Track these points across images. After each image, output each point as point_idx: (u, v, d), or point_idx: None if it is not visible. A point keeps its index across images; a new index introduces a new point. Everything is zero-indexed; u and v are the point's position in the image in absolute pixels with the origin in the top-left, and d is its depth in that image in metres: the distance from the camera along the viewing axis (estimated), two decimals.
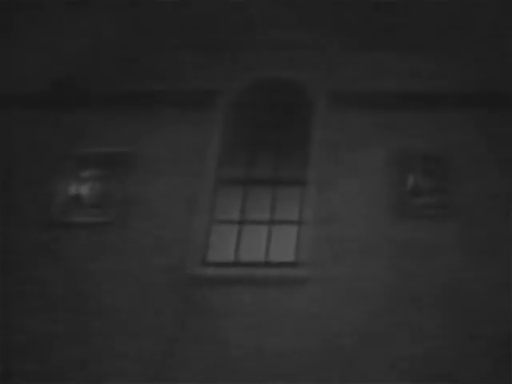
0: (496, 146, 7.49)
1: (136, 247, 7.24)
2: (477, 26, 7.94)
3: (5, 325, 6.96)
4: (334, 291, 6.84)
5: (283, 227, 7.45)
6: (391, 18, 8.03)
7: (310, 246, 7.07)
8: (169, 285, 7.01)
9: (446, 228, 7.06)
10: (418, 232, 7.05)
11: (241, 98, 8.23)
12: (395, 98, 7.85)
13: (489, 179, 7.29)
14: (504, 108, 7.71)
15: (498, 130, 7.59)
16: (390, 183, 7.35)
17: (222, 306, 6.86)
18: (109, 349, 6.79)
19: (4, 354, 6.83)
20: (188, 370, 6.63)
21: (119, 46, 8.43)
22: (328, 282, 6.89)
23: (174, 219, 7.35)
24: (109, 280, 7.09)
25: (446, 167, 7.38)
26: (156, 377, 6.63)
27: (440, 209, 7.16)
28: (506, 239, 6.97)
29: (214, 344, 6.72)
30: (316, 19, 8.18)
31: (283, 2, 8.02)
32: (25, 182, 7.72)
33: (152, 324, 6.85)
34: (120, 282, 7.07)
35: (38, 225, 7.44)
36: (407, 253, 6.95)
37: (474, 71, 7.98)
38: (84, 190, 7.60)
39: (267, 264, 7.16)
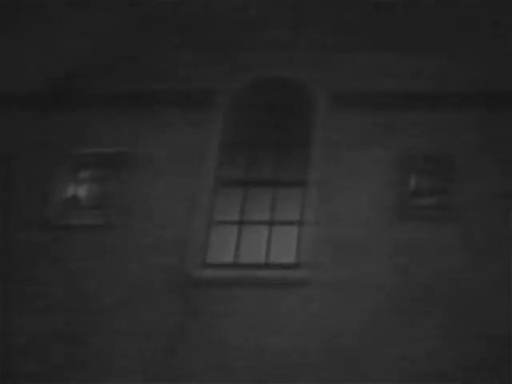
0: (496, 146, 7.49)
1: (135, 248, 7.24)
2: (477, 25, 7.93)
3: (5, 325, 6.96)
4: (334, 293, 6.83)
5: (283, 228, 7.44)
6: (391, 18, 8.03)
7: (311, 247, 7.06)
8: (168, 286, 7.00)
9: (446, 228, 7.06)
10: (419, 233, 7.05)
11: (241, 98, 8.23)
12: (396, 98, 7.85)
13: (489, 179, 7.29)
14: (504, 108, 7.71)
15: (498, 130, 7.58)
16: (392, 184, 7.35)
17: (222, 307, 6.86)
18: (109, 349, 6.79)
19: (4, 354, 6.83)
20: (188, 370, 6.63)
21: (119, 46, 8.43)
22: (329, 284, 6.88)
23: (173, 220, 7.34)
24: (108, 280, 7.09)
25: (447, 167, 7.38)
26: (156, 377, 6.63)
27: (441, 209, 7.16)
28: (506, 239, 6.97)
29: (213, 344, 6.72)
30: (316, 19, 8.18)
31: (283, 2, 8.02)
32: (25, 183, 7.72)
33: (152, 324, 6.85)
34: (120, 283, 7.07)
35: (38, 225, 7.44)
36: (408, 253, 6.95)
37: (474, 71, 7.98)
38: (83, 190, 7.59)
39: (267, 265, 7.15)
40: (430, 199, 7.21)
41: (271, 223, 7.46)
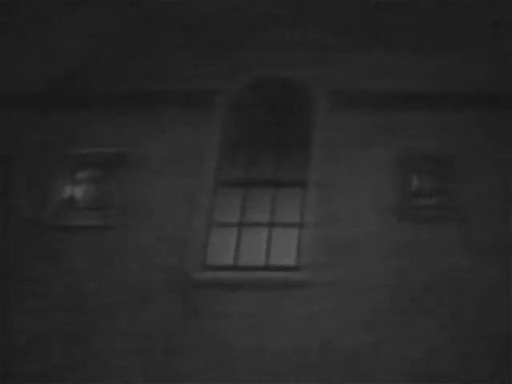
0: (497, 146, 7.49)
1: (135, 249, 7.23)
2: (477, 25, 7.93)
3: (5, 325, 6.95)
4: (335, 293, 6.83)
5: (284, 229, 7.41)
6: (391, 18, 8.03)
7: (312, 249, 7.05)
8: (168, 287, 7.00)
9: (446, 229, 7.06)
10: (420, 233, 7.04)
11: (241, 98, 8.23)
12: (396, 98, 7.85)
13: (490, 179, 7.29)
14: (504, 108, 7.71)
15: (499, 130, 7.58)
16: (392, 184, 7.34)
17: (222, 309, 6.85)
18: (109, 349, 6.79)
19: (4, 354, 6.82)
20: (188, 370, 6.63)
21: (119, 46, 8.43)
22: (329, 285, 6.87)
23: (172, 221, 7.34)
24: (108, 281, 7.09)
25: (447, 167, 7.38)
26: (156, 377, 6.63)
27: (441, 209, 7.15)
28: (506, 239, 6.97)
29: (213, 344, 6.72)
30: (316, 19, 8.17)
31: (283, 2, 8.02)
32: (24, 183, 7.71)
33: (152, 324, 6.85)
34: (120, 283, 7.07)
35: (39, 225, 7.44)
36: (409, 254, 6.95)
37: (474, 71, 7.98)
38: (83, 190, 7.59)
39: (267, 267, 7.14)
40: (430, 199, 7.21)
41: (271, 224, 7.43)
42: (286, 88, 8.29)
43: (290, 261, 7.21)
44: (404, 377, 6.45)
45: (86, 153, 7.79)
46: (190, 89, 8.16)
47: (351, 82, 8.07)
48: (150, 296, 6.97)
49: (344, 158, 7.57)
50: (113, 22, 8.14)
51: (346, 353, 6.59)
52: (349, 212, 7.23)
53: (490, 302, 6.71)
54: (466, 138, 7.57)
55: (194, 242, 7.21)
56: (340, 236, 7.09)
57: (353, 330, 6.68)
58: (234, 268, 7.16)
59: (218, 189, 7.70)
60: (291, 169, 7.77)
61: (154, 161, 7.73)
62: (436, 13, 7.90)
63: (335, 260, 6.98)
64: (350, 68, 8.15)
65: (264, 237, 7.37)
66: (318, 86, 8.08)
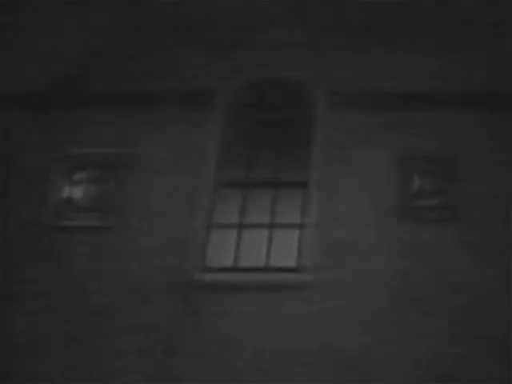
0: (497, 146, 7.49)
1: (134, 249, 7.23)
2: (477, 25, 7.93)
3: (5, 325, 6.95)
4: (335, 294, 6.83)
5: (284, 231, 7.40)
6: (391, 18, 8.03)
7: (312, 251, 7.05)
8: (168, 287, 7.00)
9: (447, 229, 7.06)
10: (421, 234, 7.04)
11: (241, 99, 8.23)
12: (398, 98, 7.84)
13: (490, 179, 7.29)
14: (504, 108, 7.71)
15: (499, 130, 7.58)
16: (393, 184, 7.34)
17: (222, 310, 6.85)
18: (109, 349, 6.79)
19: (4, 354, 6.82)
20: (188, 370, 6.63)
21: (119, 46, 8.43)
22: (330, 287, 6.87)
23: (172, 222, 7.33)
24: (108, 281, 7.09)
25: (448, 168, 7.37)
26: (156, 377, 6.63)
27: (441, 210, 7.15)
28: (506, 239, 6.97)
29: (213, 344, 6.72)
30: (316, 19, 8.17)
31: (283, 2, 8.02)
32: (24, 183, 7.71)
33: (152, 324, 6.85)
34: (119, 284, 7.07)
35: (39, 225, 7.44)
36: (410, 255, 6.94)
37: (474, 71, 7.97)
38: (83, 191, 7.58)
39: (268, 269, 7.13)
40: (430, 199, 7.21)
41: (271, 226, 7.42)
42: (286, 88, 8.29)
43: (291, 262, 7.21)
44: (404, 377, 6.45)
45: (86, 153, 7.78)
46: (190, 89, 8.16)
47: (351, 82, 8.07)
48: (150, 296, 6.97)
49: (344, 158, 7.56)
50: (113, 22, 8.15)
51: (346, 353, 6.59)
52: (349, 212, 7.23)
53: (490, 302, 6.71)
54: (466, 138, 7.57)
55: (193, 242, 7.21)
56: (341, 237, 7.09)
57: (353, 330, 6.68)
58: (234, 269, 7.15)
59: (218, 189, 7.69)
60: (291, 169, 7.76)
61: (154, 161, 7.72)
62: (436, 13, 7.90)
63: (336, 261, 6.98)
64: (350, 68, 8.15)
65: (264, 238, 7.36)
66: (318, 86, 8.08)
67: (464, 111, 7.74)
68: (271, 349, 6.65)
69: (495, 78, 7.89)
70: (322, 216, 7.23)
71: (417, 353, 6.55)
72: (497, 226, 7.04)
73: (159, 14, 8.17)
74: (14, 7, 7.43)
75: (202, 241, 7.27)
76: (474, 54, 8.03)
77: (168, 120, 7.99)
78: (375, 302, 6.78)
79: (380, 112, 7.81)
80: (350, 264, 6.95)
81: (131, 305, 6.95)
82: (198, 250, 7.19)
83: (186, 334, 6.78)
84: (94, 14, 7.93)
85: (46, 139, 7.96)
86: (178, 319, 6.86)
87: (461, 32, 8.02)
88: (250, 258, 7.28)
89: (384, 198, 7.28)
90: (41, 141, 7.96)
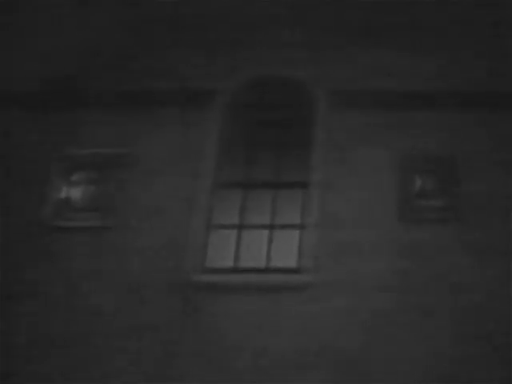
0: (497, 146, 7.49)
1: (133, 249, 7.22)
2: (477, 25, 7.93)
3: (5, 325, 6.95)
4: (336, 296, 6.82)
5: (285, 231, 7.38)
6: (391, 18, 8.03)
7: (313, 251, 7.04)
8: (168, 288, 6.99)
9: (447, 229, 7.05)
10: (421, 234, 7.04)
11: (240, 98, 8.22)
12: (398, 98, 7.84)
13: (490, 179, 7.29)
14: (505, 108, 7.71)
15: (499, 130, 7.58)
16: (396, 185, 7.33)
17: (222, 311, 6.85)
18: (109, 349, 6.79)
19: (4, 354, 6.82)
20: (188, 370, 6.63)
21: (119, 45, 8.43)
22: (331, 287, 6.87)
23: (170, 223, 7.32)
24: (108, 281, 7.09)
25: (449, 168, 7.37)
26: (156, 377, 6.63)
27: (442, 210, 7.15)
28: (506, 240, 6.97)
29: (213, 345, 6.72)
30: (316, 19, 8.17)
31: (283, 2, 8.02)
32: (24, 183, 7.71)
33: (152, 325, 6.85)
34: (119, 284, 7.07)
35: (38, 226, 7.44)
36: (410, 255, 6.94)
37: (474, 71, 7.97)
38: (82, 191, 7.57)
39: (268, 270, 7.13)
40: (431, 200, 7.21)
41: (272, 226, 7.40)
42: (286, 88, 8.28)
43: (291, 263, 7.20)
44: (404, 377, 6.45)
45: (86, 153, 7.78)
46: (190, 89, 8.15)
47: (351, 82, 8.06)
48: (150, 297, 6.97)
49: (344, 158, 7.56)
50: (113, 22, 8.14)
51: (346, 353, 6.59)
52: (350, 213, 7.22)
53: (490, 302, 6.71)
54: (466, 137, 7.57)
55: (193, 243, 7.20)
56: (341, 237, 7.08)
57: (353, 330, 6.68)
58: (234, 270, 7.15)
59: (218, 189, 7.68)
60: (291, 169, 7.75)
61: (154, 161, 7.72)
62: (436, 13, 7.90)
63: (336, 261, 6.97)
64: (350, 68, 8.15)
65: (264, 238, 7.34)
66: (318, 86, 8.08)
67: (464, 111, 7.74)
68: (271, 349, 6.65)
69: (495, 78, 7.89)
70: (323, 216, 7.22)
71: (417, 353, 6.55)
72: (497, 226, 7.04)
73: (159, 13, 8.17)
74: (14, 7, 7.42)
75: (202, 241, 7.27)
76: (474, 54, 8.02)
77: (168, 120, 7.98)
78: (376, 302, 6.78)
79: (380, 112, 7.81)
80: (351, 264, 6.95)
81: (131, 305, 6.95)
82: (197, 251, 7.18)
83: (185, 334, 6.78)
84: (94, 14, 7.93)
85: (45, 139, 7.96)
86: (178, 319, 6.85)
87: (461, 32, 8.01)
88: (250, 258, 7.27)
89: (384, 198, 7.27)
90: (40, 141, 7.95)
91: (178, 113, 8.00)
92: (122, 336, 6.82)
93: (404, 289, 6.81)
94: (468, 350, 6.53)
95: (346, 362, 6.55)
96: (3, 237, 7.39)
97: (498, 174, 7.33)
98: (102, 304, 6.98)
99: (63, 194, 7.57)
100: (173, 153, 7.74)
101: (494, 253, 6.92)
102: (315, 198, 7.34)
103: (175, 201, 7.44)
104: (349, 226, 7.15)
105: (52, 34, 7.88)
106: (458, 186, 7.26)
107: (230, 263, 7.25)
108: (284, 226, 7.42)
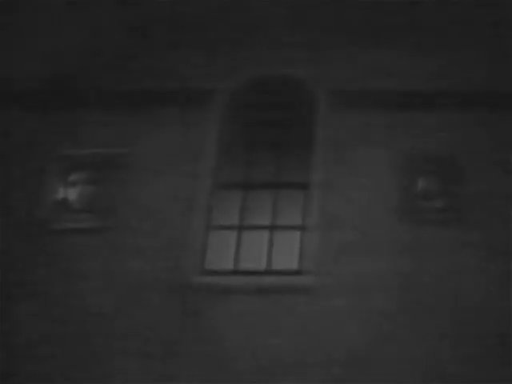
0: (497, 146, 7.49)
1: (133, 250, 7.22)
2: (477, 25, 7.93)
3: (5, 325, 6.95)
4: (337, 296, 6.82)
5: (285, 233, 7.38)
6: (391, 18, 8.03)
7: (314, 253, 7.04)
8: (168, 288, 6.99)
9: (448, 229, 7.05)
10: (422, 234, 7.03)
11: (240, 98, 8.22)
12: (398, 98, 7.84)
13: (490, 179, 7.29)
14: (505, 108, 7.71)
15: (499, 130, 7.58)
16: (396, 185, 7.33)
17: (222, 312, 6.85)
18: (109, 349, 6.79)
19: (4, 354, 6.83)
20: (188, 370, 6.64)
21: (119, 45, 8.43)
22: (331, 288, 6.86)
23: (170, 224, 7.31)
24: (108, 282, 7.09)
25: (448, 168, 7.37)
26: (156, 377, 6.63)
27: (443, 210, 7.14)
28: (506, 240, 6.97)
29: (213, 345, 6.72)
30: (316, 19, 8.17)
31: (283, 2, 8.02)
32: (23, 183, 7.70)
33: (152, 325, 6.85)
34: (119, 284, 7.07)
35: (38, 226, 7.44)
36: (413, 257, 6.94)
37: (474, 71, 7.97)
38: (82, 192, 7.56)
39: (269, 272, 7.13)
40: (432, 200, 7.21)
41: (272, 228, 7.39)
42: (286, 87, 8.28)
43: (293, 265, 7.18)
44: (404, 377, 6.45)
45: (85, 153, 7.77)
46: (190, 89, 8.15)
47: (351, 82, 8.06)
48: (149, 297, 6.97)
49: (345, 158, 7.55)
50: (113, 22, 8.14)
51: (346, 353, 6.59)
52: (351, 213, 7.21)
53: (490, 302, 6.71)
54: (466, 137, 7.57)
55: (192, 245, 7.19)
56: (342, 238, 7.07)
57: (353, 331, 6.68)
58: (234, 272, 7.13)
59: (218, 190, 7.68)
60: (292, 170, 7.74)
61: (153, 161, 7.71)
62: (436, 13, 7.90)
63: (338, 262, 6.96)
64: (350, 68, 8.14)
65: (265, 240, 7.33)
66: (318, 86, 8.08)
67: (464, 111, 7.74)
68: (272, 349, 6.65)
69: (495, 78, 7.89)
70: (324, 217, 7.22)
71: (417, 353, 6.55)
72: (497, 226, 7.04)
73: (159, 13, 8.17)
74: (14, 7, 7.42)
75: (202, 242, 7.26)
76: (474, 53, 8.02)
77: (168, 120, 7.98)
78: (376, 302, 6.78)
79: (380, 112, 7.80)
80: (352, 265, 6.94)
81: (131, 305, 6.95)
82: (196, 253, 7.17)
83: (185, 334, 6.78)
84: (94, 14, 7.93)
85: (45, 139, 7.96)
86: (178, 320, 6.85)
87: (461, 32, 8.01)
88: (251, 260, 7.26)
89: (385, 199, 7.27)
90: (40, 141, 7.95)
91: (178, 113, 8.00)
92: (122, 336, 6.82)
93: (404, 289, 6.81)
94: (468, 350, 6.53)
95: (346, 362, 6.55)
96: (3, 237, 7.39)
97: (498, 174, 7.33)
98: (102, 304, 6.99)
99: (62, 195, 7.56)
100: (173, 153, 7.74)
101: (494, 253, 6.92)
102: (316, 199, 7.33)
103: (175, 201, 7.43)
104: (349, 226, 7.14)
105: (52, 34, 7.88)
106: (457, 185, 7.26)
107: (229, 265, 7.24)
108: (285, 228, 7.41)
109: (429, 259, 6.92)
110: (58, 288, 7.11)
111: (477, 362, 6.47)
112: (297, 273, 7.06)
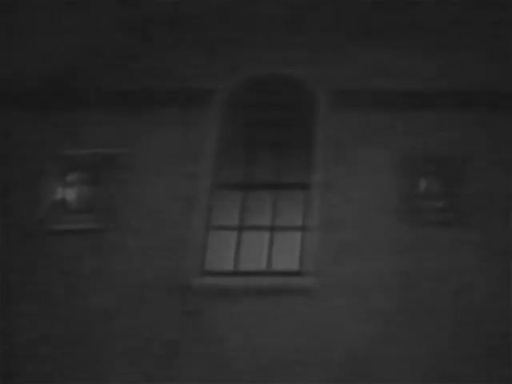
0: (497, 146, 7.49)
1: (133, 251, 7.22)
2: (477, 25, 7.93)
3: (5, 325, 6.95)
4: (337, 296, 6.82)
5: (286, 233, 7.36)
6: (391, 18, 8.03)
7: (315, 254, 7.03)
8: (167, 289, 6.99)
9: (448, 230, 7.05)
10: (422, 235, 7.03)
11: (240, 98, 8.22)
12: (398, 98, 7.84)
13: (491, 179, 7.29)
14: (505, 107, 7.71)
15: (499, 130, 7.58)
16: (396, 185, 7.32)
17: (222, 313, 6.85)
18: (109, 349, 6.79)
19: (4, 354, 6.82)
20: (188, 370, 6.64)
21: (118, 45, 8.43)
22: (332, 288, 6.86)
23: (169, 224, 7.31)
24: (108, 282, 7.09)
25: (448, 168, 7.37)
26: (156, 377, 6.63)
27: (444, 211, 7.14)
28: (507, 240, 6.97)
29: (213, 345, 6.72)
30: (316, 19, 8.17)
31: (283, 2, 8.02)
32: (22, 183, 7.70)
33: (151, 325, 6.85)
34: (119, 285, 7.07)
35: (38, 226, 7.43)
36: (413, 257, 6.94)
37: (474, 71, 7.97)
38: (82, 192, 7.56)
39: (269, 273, 7.12)
40: (432, 200, 7.20)
41: (273, 228, 7.37)
42: (286, 87, 8.28)
43: (293, 266, 7.18)
44: (404, 377, 6.46)
45: (85, 153, 7.77)
46: (190, 88, 8.15)
47: (351, 82, 8.06)
48: (149, 298, 6.96)
49: (345, 158, 7.55)
50: (113, 22, 8.14)
51: (346, 353, 6.59)
52: (351, 213, 7.21)
53: (490, 302, 6.71)
54: (466, 137, 7.57)
55: (192, 245, 7.19)
56: (343, 238, 7.07)
57: (353, 331, 6.68)
58: (234, 273, 7.13)
59: (218, 190, 7.67)
60: (292, 170, 7.74)
61: (153, 161, 7.71)
62: (436, 13, 7.90)
63: (338, 263, 6.96)
64: (350, 68, 8.14)
65: (265, 240, 7.32)
66: (318, 86, 8.08)
67: (464, 111, 7.74)
68: (272, 350, 6.65)
69: (495, 77, 7.89)
70: (325, 218, 7.21)
71: (417, 353, 6.55)
72: (497, 226, 7.04)
73: (159, 13, 8.17)
74: (14, 7, 7.42)
75: (201, 243, 7.26)
76: (474, 53, 8.02)
77: (168, 120, 7.98)
78: (376, 302, 6.78)
79: (380, 112, 7.80)
80: (352, 265, 6.94)
81: (131, 305, 6.95)
82: (196, 252, 7.17)
83: (185, 334, 6.78)
84: (94, 14, 7.92)
85: (45, 139, 7.95)
86: (178, 320, 6.85)
87: (461, 32, 8.01)
88: (251, 261, 7.25)
89: (385, 199, 7.27)
90: (40, 141, 7.95)
91: (178, 113, 7.99)
92: (122, 336, 6.82)
93: (404, 289, 6.81)
94: (468, 350, 6.53)
95: (346, 362, 6.55)
96: (3, 237, 7.38)
97: (498, 174, 7.33)
98: (101, 304, 6.98)
99: (63, 195, 7.56)
100: (173, 153, 7.74)
101: (495, 253, 6.92)
102: (316, 199, 7.33)
103: (175, 201, 7.43)
104: (349, 226, 7.14)
105: (52, 33, 7.88)
106: (458, 186, 7.26)
107: (229, 265, 7.23)
108: (285, 228, 7.40)
109: (429, 259, 6.92)
110: (58, 288, 7.11)
111: (477, 362, 6.47)
112: (297, 273, 7.05)
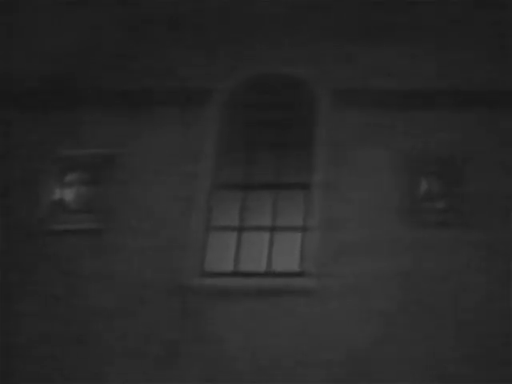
0: (497, 146, 7.48)
1: (132, 251, 7.22)
2: (477, 25, 7.93)
3: (5, 325, 6.95)
4: (337, 297, 6.82)
5: (286, 234, 7.36)
6: (391, 18, 8.03)
7: (315, 254, 7.04)
8: (167, 289, 6.99)
9: (449, 230, 7.05)
10: (424, 236, 7.03)
11: (240, 98, 8.22)
12: (398, 98, 7.84)
13: (491, 179, 7.28)
14: (505, 107, 7.70)
15: (499, 130, 7.58)
16: (396, 185, 7.32)
17: (221, 316, 6.84)
18: (109, 349, 6.79)
19: (4, 354, 6.82)
20: (188, 370, 6.64)
21: (118, 45, 8.42)
22: (332, 289, 6.86)
23: (169, 224, 7.31)
24: (108, 282, 7.09)
25: (449, 168, 7.37)
26: (156, 377, 6.63)
27: (446, 211, 7.13)
28: (507, 240, 6.97)
29: (213, 345, 6.72)
30: (316, 19, 8.17)
31: (283, 2, 8.02)
32: (24, 184, 7.70)
33: (152, 325, 6.85)
34: (119, 285, 7.07)
35: (38, 226, 7.43)
36: (414, 257, 6.94)
37: (475, 71, 7.97)
38: (81, 193, 7.56)
39: (269, 274, 7.13)
40: (432, 200, 7.20)
41: (273, 229, 7.36)
42: (286, 87, 8.28)
43: (293, 267, 7.18)
44: (404, 377, 6.46)
45: (85, 153, 7.77)
46: (190, 88, 8.14)
47: (351, 82, 8.06)
48: (149, 298, 6.96)
49: (346, 158, 7.55)
50: (112, 22, 8.14)
51: (346, 353, 6.59)
52: (352, 214, 7.21)
53: (490, 302, 6.71)
54: (466, 137, 7.57)
55: (192, 246, 7.19)
56: (344, 239, 7.07)
57: (353, 331, 6.68)
58: (234, 274, 7.13)
59: (218, 190, 7.67)
60: (292, 170, 7.73)
61: (152, 161, 7.71)
62: (436, 13, 7.90)
63: (338, 263, 6.96)
64: (351, 67, 8.14)
65: (265, 241, 7.32)
66: (319, 86, 8.07)
67: (464, 111, 7.74)
68: (272, 350, 6.65)
69: (495, 77, 7.89)
70: (325, 218, 7.21)
71: (417, 353, 6.55)
72: (497, 227, 7.04)
73: (159, 13, 8.17)
74: (14, 7, 7.42)
75: (201, 243, 7.25)
76: (474, 53, 8.02)
77: (167, 120, 7.98)
78: (376, 302, 6.79)
79: (380, 112, 7.80)
80: (353, 266, 6.94)
81: (130, 306, 6.95)
82: (196, 253, 7.17)
83: (185, 334, 6.78)
84: (94, 14, 7.93)
85: (45, 139, 7.95)
86: (178, 320, 6.85)
87: (461, 32, 8.01)
88: (251, 261, 7.25)
89: (385, 199, 7.27)
90: (40, 141, 7.95)
91: (178, 113, 7.99)
92: (122, 336, 6.82)
93: (405, 289, 6.81)
94: (468, 350, 6.53)
95: (346, 362, 6.55)
96: (3, 237, 7.39)
97: (498, 174, 7.33)
98: (101, 304, 6.99)
99: (62, 195, 7.56)
100: (173, 153, 7.74)
101: (495, 253, 6.92)
102: (316, 200, 7.33)
103: (175, 201, 7.43)
104: (350, 227, 7.14)
105: (52, 33, 7.88)
106: (458, 186, 7.26)
107: (229, 266, 7.22)
108: (285, 228, 7.39)
109: (429, 259, 6.92)
110: (58, 288, 7.11)
111: (477, 362, 6.47)
112: (297, 274, 7.05)
